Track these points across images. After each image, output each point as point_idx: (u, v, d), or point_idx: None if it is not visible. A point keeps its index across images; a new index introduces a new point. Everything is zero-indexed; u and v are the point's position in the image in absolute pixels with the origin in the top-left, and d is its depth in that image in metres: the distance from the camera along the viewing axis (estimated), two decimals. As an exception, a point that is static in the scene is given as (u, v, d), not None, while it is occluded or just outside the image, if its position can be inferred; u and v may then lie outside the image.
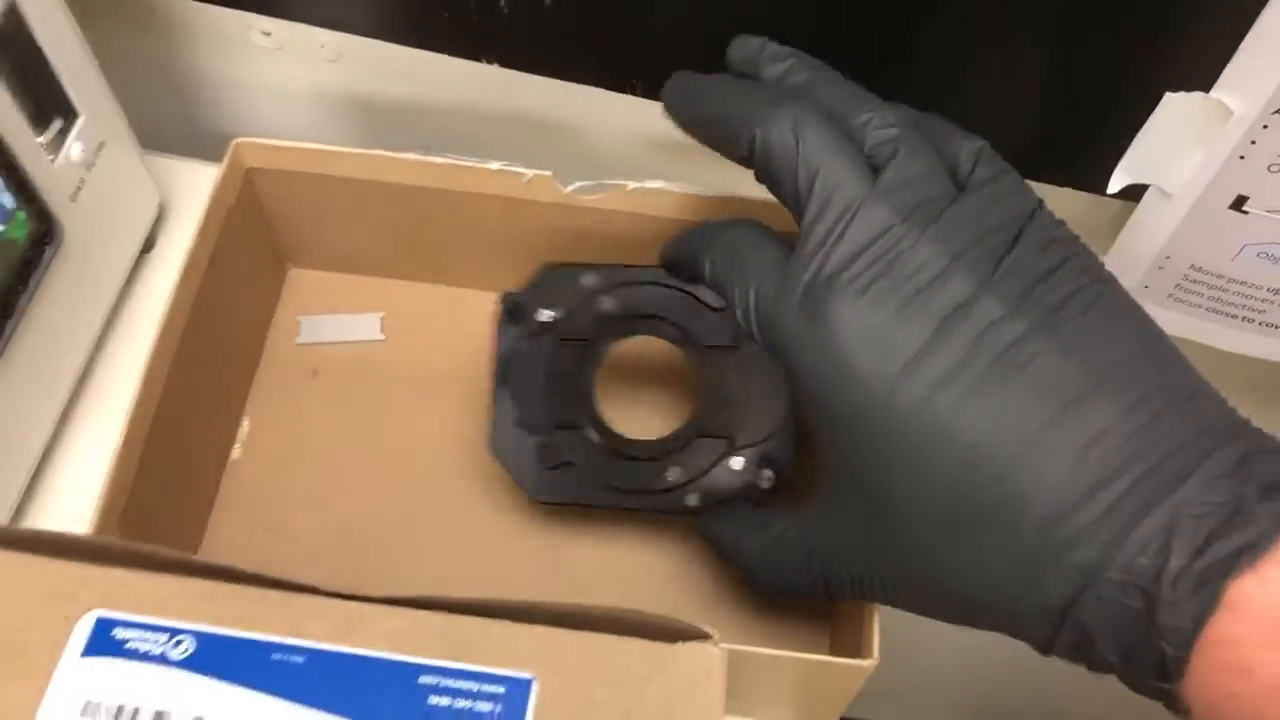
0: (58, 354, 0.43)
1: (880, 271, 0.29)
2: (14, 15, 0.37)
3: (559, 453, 0.42)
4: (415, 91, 0.50)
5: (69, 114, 0.41)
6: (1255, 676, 0.25)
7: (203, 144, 0.52)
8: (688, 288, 0.42)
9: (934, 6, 0.40)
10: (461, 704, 0.29)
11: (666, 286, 0.42)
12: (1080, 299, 0.29)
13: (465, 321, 0.47)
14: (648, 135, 0.48)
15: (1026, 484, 0.28)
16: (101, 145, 0.43)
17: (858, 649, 0.35)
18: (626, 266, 0.43)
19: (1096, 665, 0.28)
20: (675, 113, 0.34)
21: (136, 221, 0.47)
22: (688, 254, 0.36)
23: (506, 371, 0.42)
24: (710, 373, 0.42)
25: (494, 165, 0.42)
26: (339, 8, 0.46)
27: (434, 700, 0.30)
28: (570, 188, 0.42)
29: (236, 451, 0.44)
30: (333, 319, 0.47)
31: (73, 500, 0.43)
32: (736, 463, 0.41)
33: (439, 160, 0.42)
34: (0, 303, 0.39)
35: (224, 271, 0.42)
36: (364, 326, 0.47)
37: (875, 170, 0.31)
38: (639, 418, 0.44)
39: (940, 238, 0.29)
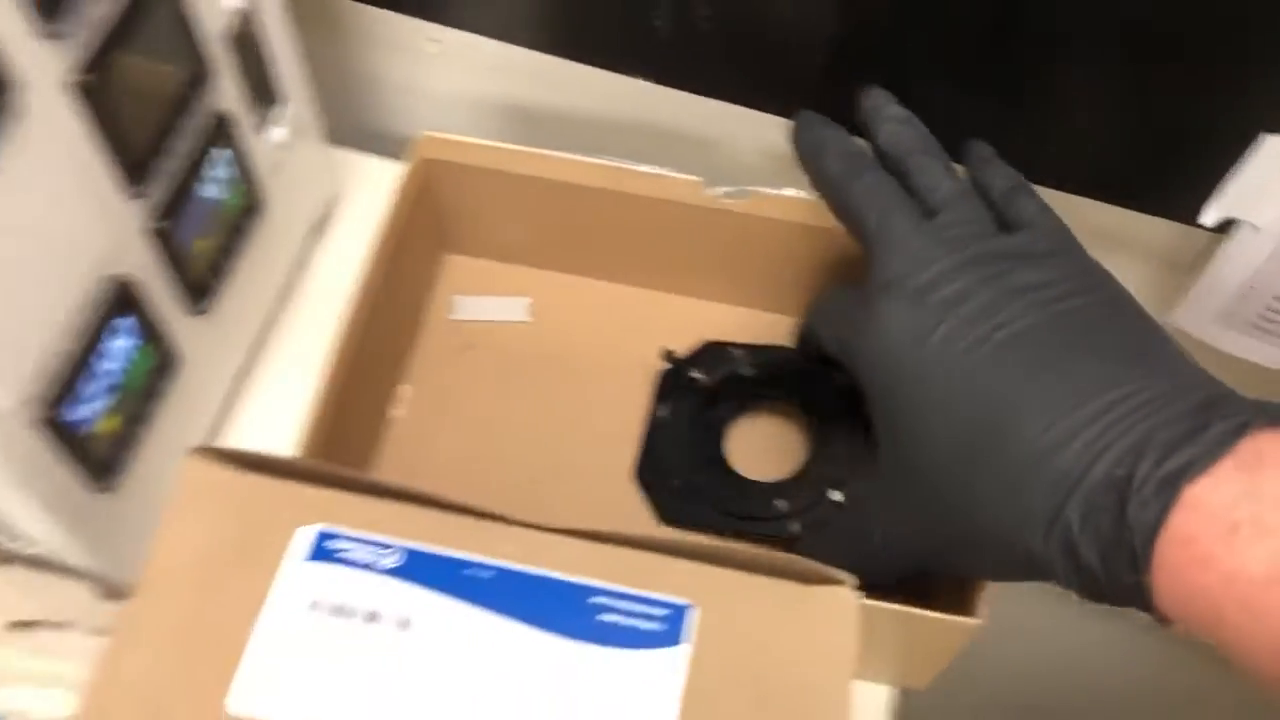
0: (249, 311, 0.49)
1: (912, 277, 0.37)
2: (247, 17, 0.43)
3: (691, 489, 0.48)
4: (564, 100, 0.55)
5: (277, 102, 0.47)
6: (1213, 568, 0.30)
7: (364, 139, 0.57)
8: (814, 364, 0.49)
9: (1044, 42, 0.45)
10: (628, 622, 0.34)
11: (797, 360, 0.49)
12: (1079, 299, 0.37)
13: (607, 312, 0.52)
14: (777, 150, 0.53)
15: (1016, 413, 0.34)
16: (298, 132, 0.49)
17: (961, 611, 0.39)
18: (768, 346, 0.51)
19: (1083, 575, 0.33)
20: (797, 156, 0.43)
21: (317, 201, 0.53)
22: (803, 331, 0.47)
23: (660, 417, 0.49)
24: (822, 429, 0.49)
25: (646, 168, 0.47)
26: (506, 21, 0.52)
27: (603, 617, 0.34)
28: (715, 192, 0.47)
29: (397, 411, 0.49)
30: (485, 300, 0.52)
31: (251, 434, 0.49)
32: (836, 495, 0.47)
33: (597, 161, 0.47)
34: (215, 262, 0.44)
35: (400, 249, 0.47)
36: (513, 308, 0.52)
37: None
38: (759, 460, 0.49)
39: (963, 257, 0.37)
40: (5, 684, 0.44)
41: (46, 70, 0.33)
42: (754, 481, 0.49)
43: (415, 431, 0.49)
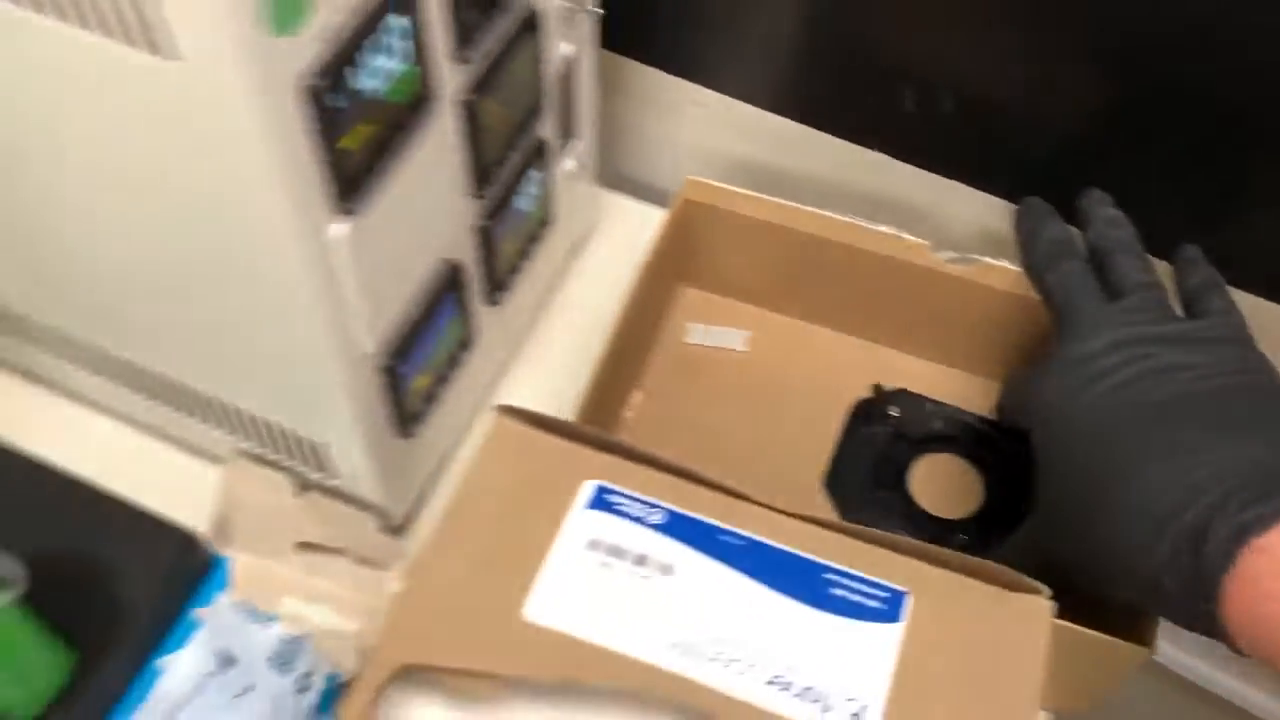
0: (523, 309, 0.57)
1: (1078, 350, 0.45)
2: (570, 63, 0.51)
3: (876, 505, 0.54)
4: (800, 163, 0.62)
5: (574, 137, 0.55)
6: (1276, 602, 0.37)
7: (614, 180, 0.65)
8: (997, 430, 0.56)
9: (1249, 156, 0.50)
10: (854, 598, 0.40)
11: (984, 428, 0.57)
12: (1217, 380, 0.43)
13: (817, 353, 0.59)
14: (988, 227, 0.59)
15: (1127, 464, 0.42)
16: (582, 165, 0.57)
17: (1132, 639, 0.44)
18: (960, 409, 0.57)
19: (1169, 603, 0.41)
20: (1016, 234, 0.51)
21: (583, 226, 0.61)
22: (999, 402, 0.55)
23: (854, 436, 0.56)
24: (996, 489, 0.55)
25: (881, 228, 0.53)
26: (766, 89, 0.59)
27: (833, 591, 0.40)
28: (942, 255, 0.53)
29: (629, 413, 0.57)
30: (712, 328, 0.60)
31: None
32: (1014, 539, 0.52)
33: (838, 216, 0.54)
34: (513, 263, 0.52)
35: (655, 276, 0.54)
36: (734, 339, 0.59)
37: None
38: (933, 498, 0.55)
39: (1123, 337, 0.45)
40: (287, 594, 0.52)
41: (450, 87, 0.41)
42: (932, 515, 0.54)
43: (641, 430, 0.56)
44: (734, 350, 0.60)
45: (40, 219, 0.42)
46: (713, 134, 0.63)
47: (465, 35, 0.40)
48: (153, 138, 0.35)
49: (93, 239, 0.42)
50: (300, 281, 0.38)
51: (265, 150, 0.33)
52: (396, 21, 0.35)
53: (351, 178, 0.36)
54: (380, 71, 0.35)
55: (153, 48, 0.31)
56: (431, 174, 0.42)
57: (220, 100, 0.31)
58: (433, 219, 0.44)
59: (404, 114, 0.38)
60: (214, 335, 0.44)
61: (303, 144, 0.34)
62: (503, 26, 0.43)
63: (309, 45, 0.32)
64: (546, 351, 0.59)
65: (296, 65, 0.32)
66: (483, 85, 0.43)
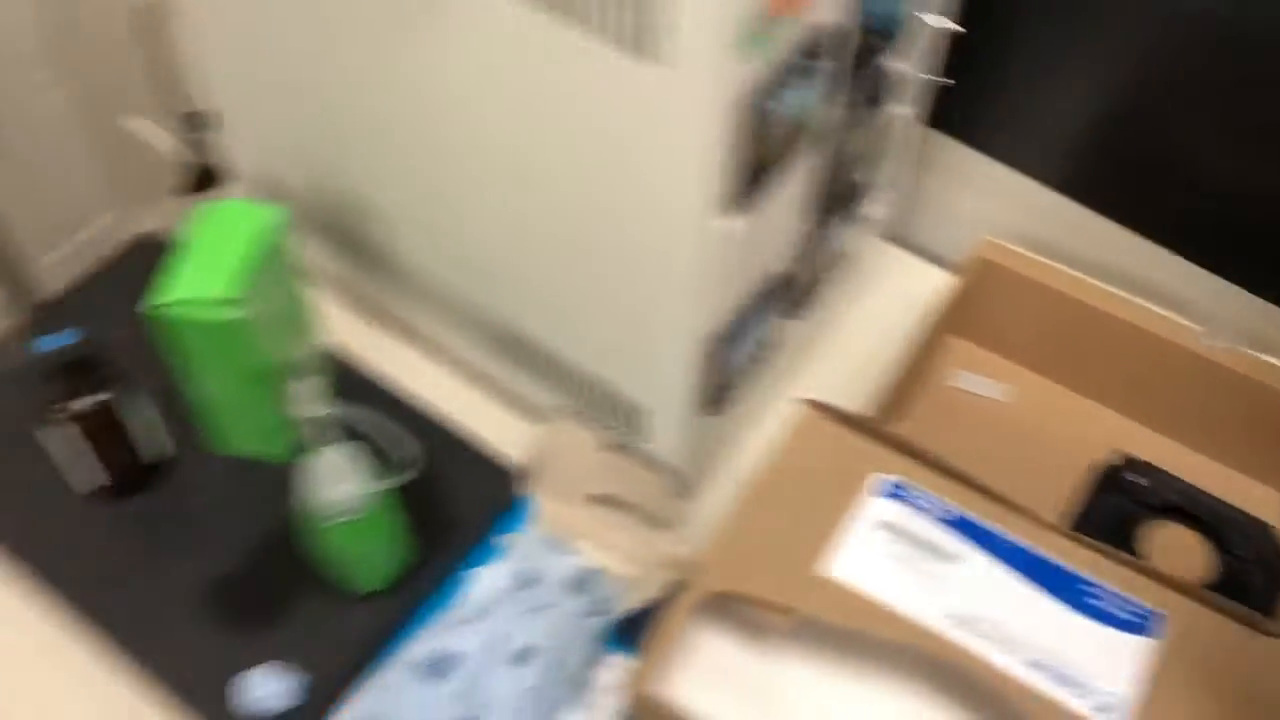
0: (809, 327, 0.64)
1: None
2: (897, 122, 0.59)
3: None
4: (1070, 241, 0.67)
5: (883, 187, 0.63)
6: None
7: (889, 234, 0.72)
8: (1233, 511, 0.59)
9: None
10: (1108, 609, 0.45)
11: (1219, 509, 0.60)
12: None
13: (1070, 416, 0.64)
14: (1241, 326, 0.63)
15: None
16: (883, 214, 0.64)
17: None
18: (1201, 491, 0.60)
19: None
20: None
21: (870, 268, 0.68)
22: None
23: (1096, 496, 0.61)
24: (1229, 565, 0.58)
25: (1157, 308, 0.59)
26: (1059, 172, 0.65)
27: (1089, 600, 0.46)
28: (1211, 343, 0.58)
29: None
30: (977, 377, 0.66)
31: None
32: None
33: (1118, 291, 0.59)
34: (815, 286, 0.60)
35: (940, 320, 0.61)
36: (995, 389, 0.65)
37: None
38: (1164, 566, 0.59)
39: None
40: (581, 537, 0.60)
41: (828, 125, 0.49)
42: None
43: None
44: (994, 400, 0.65)
45: (465, 177, 0.52)
46: (991, 206, 0.70)
47: (847, 83, 0.48)
48: (606, 124, 0.43)
49: (508, 198, 0.51)
50: (685, 261, 0.46)
51: (704, 147, 0.41)
52: (813, 64, 0.44)
53: (754, 182, 0.45)
54: (795, 100, 0.44)
55: (641, 53, 0.40)
56: (794, 194, 0.50)
57: (688, 100, 0.40)
58: (781, 233, 0.52)
59: (798, 138, 0.46)
60: (582, 297, 0.53)
61: (733, 146, 0.42)
62: (869, 82, 0.51)
63: (758, 69, 0.41)
64: (825, 367, 0.66)
65: (747, 82, 0.41)
66: (848, 127, 0.51)
